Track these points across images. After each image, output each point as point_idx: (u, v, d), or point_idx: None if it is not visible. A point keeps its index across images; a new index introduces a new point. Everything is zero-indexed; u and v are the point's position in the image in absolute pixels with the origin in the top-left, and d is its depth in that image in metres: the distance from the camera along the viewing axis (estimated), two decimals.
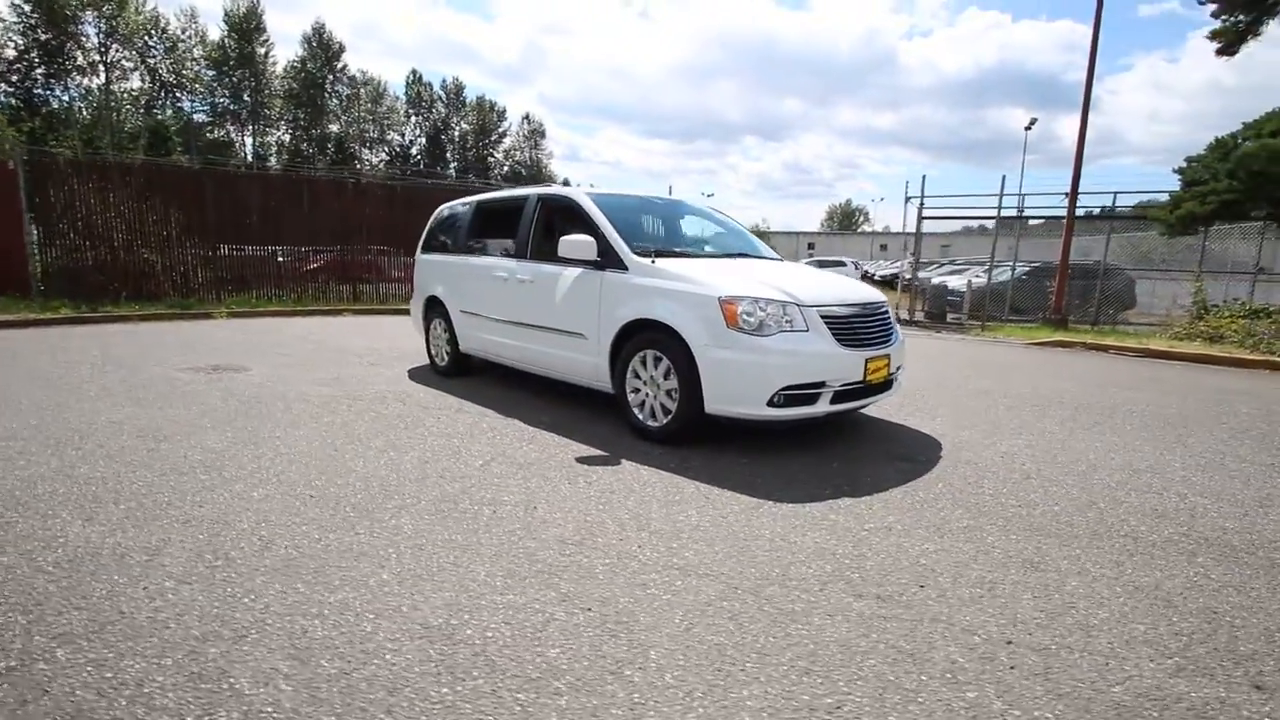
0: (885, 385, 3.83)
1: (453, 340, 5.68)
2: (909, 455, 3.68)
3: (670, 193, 4.72)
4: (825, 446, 3.80)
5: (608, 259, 4.04)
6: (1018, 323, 12.32)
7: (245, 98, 53.91)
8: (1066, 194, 11.84)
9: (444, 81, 69.46)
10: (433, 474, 3.24)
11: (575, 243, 4.05)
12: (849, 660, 1.78)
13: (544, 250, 4.85)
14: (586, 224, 4.34)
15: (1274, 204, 9.01)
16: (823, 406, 3.49)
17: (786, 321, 3.42)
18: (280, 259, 13.06)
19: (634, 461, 3.46)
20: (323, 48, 56.95)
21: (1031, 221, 13.89)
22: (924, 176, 14.77)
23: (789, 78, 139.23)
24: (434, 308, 5.95)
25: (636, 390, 3.91)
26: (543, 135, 75.02)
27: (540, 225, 4.86)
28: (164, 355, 6.60)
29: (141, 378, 5.41)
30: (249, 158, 55.05)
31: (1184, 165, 10.53)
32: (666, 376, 3.70)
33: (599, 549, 2.44)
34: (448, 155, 70.43)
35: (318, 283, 13.36)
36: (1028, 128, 32.85)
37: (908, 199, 13.64)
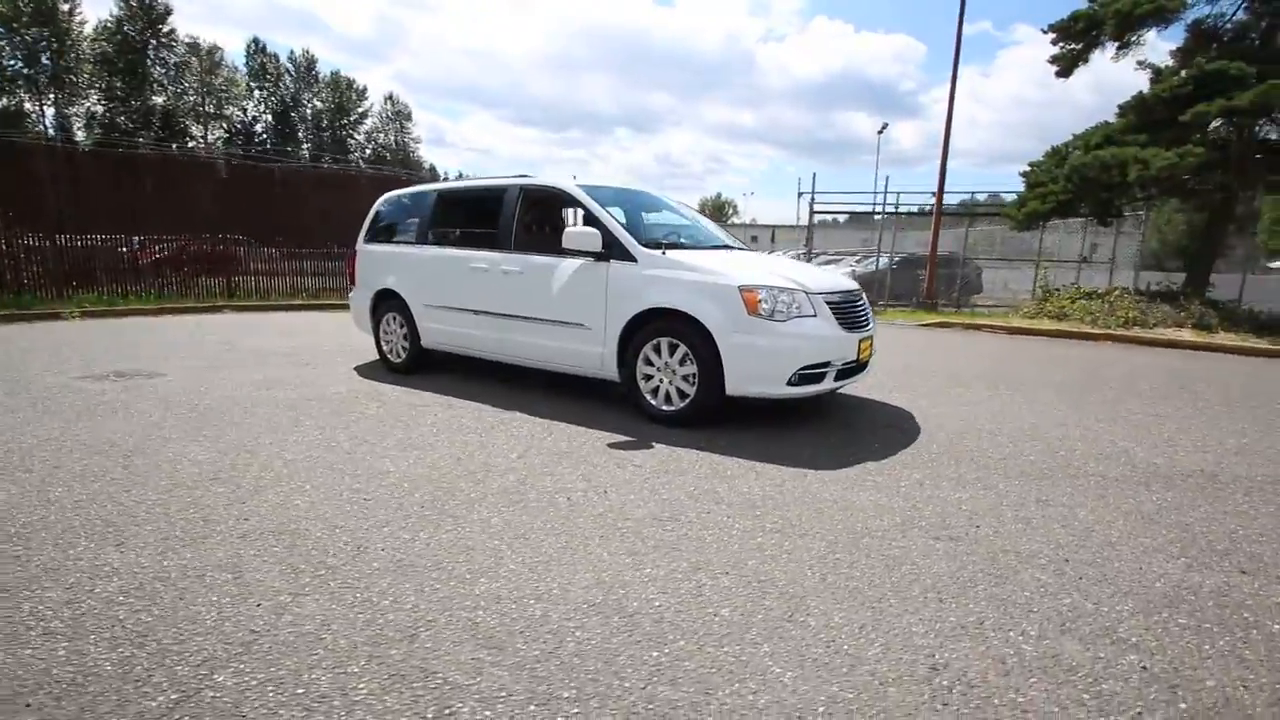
0: (866, 364, 4.29)
1: (412, 335, 5.44)
2: (893, 424, 4.17)
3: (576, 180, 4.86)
4: (820, 421, 4.19)
5: (612, 250, 4.13)
6: (897, 307, 13.82)
7: (44, 60, 45.62)
8: (934, 193, 13.46)
9: (292, 54, 62.90)
10: (476, 469, 3.19)
11: (581, 234, 4.10)
12: (963, 588, 2.11)
13: (529, 241, 4.81)
14: (583, 216, 4.38)
15: (1097, 204, 10.91)
16: (828, 383, 3.86)
17: (797, 308, 3.74)
18: (122, 250, 11.41)
19: (664, 444, 3.62)
20: (144, 9, 49.48)
21: (904, 216, 15.55)
22: (814, 174, 16.10)
23: (658, 72, 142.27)
24: (385, 302, 5.65)
25: (649, 377, 4.06)
26: (409, 118, 70.74)
27: (524, 216, 4.81)
28: (40, 362, 5.66)
29: (38, 390, 4.64)
30: (50, 131, 46.72)
31: (1027, 169, 12.38)
32: (683, 363, 3.89)
33: (693, 523, 2.60)
34: (299, 135, 64.33)
35: (180, 277, 11.85)
36: (880, 131, 36.49)
37: (800, 194, 14.70)
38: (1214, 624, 1.94)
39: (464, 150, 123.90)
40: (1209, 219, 10.94)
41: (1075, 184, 10.76)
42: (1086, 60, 11.13)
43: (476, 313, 4.89)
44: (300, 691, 1.58)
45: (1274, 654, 1.79)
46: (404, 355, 5.59)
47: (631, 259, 4.08)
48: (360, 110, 66.69)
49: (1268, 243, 12.91)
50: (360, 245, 6.00)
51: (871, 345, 4.23)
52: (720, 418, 3.97)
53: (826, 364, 3.79)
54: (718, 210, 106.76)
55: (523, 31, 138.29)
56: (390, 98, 69.00)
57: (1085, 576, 2.20)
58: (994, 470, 3.29)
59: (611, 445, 3.61)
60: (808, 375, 3.73)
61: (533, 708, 1.52)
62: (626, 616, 1.92)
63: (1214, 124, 9.73)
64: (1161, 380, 6.06)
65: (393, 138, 69.94)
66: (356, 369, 5.76)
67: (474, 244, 5.06)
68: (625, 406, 4.37)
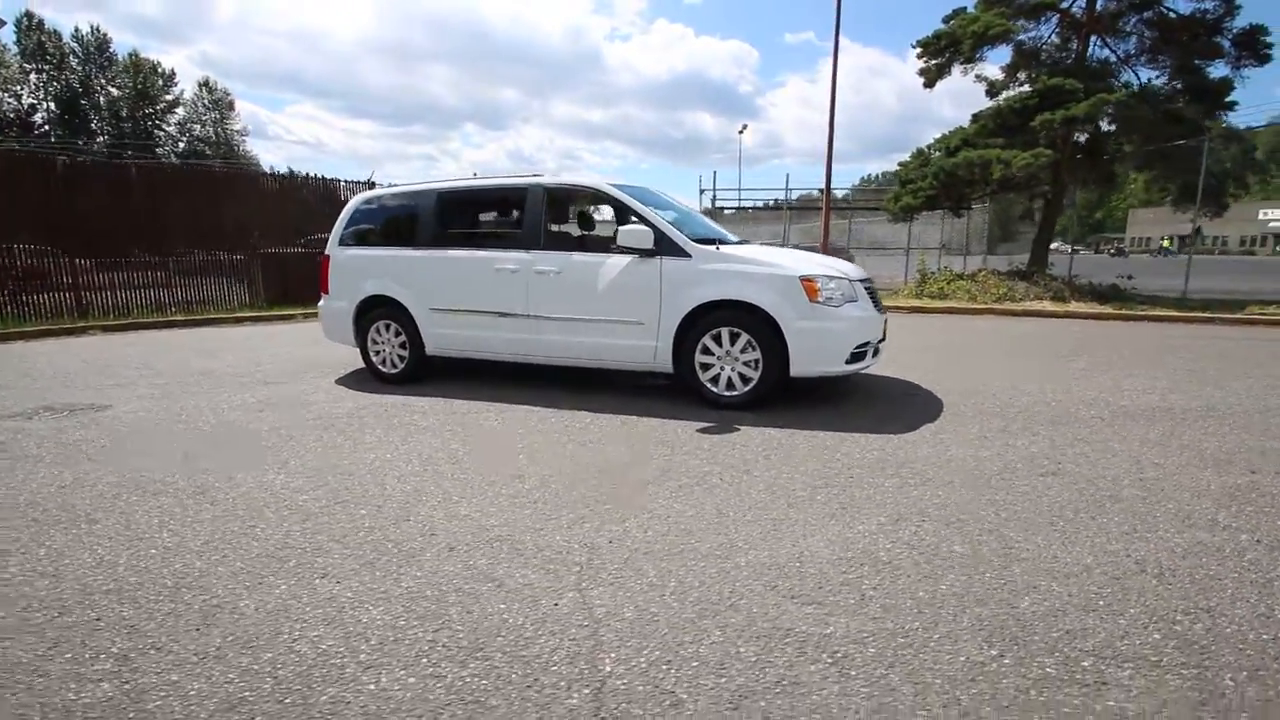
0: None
1: (413, 343, 5.19)
2: (909, 392, 4.78)
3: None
4: (847, 396, 4.68)
5: (661, 247, 4.30)
6: None
7: None
8: (821, 190, 14.85)
9: (78, 32, 53.26)
10: (606, 464, 3.26)
11: (635, 232, 4.23)
12: (1100, 507, 2.63)
13: (556, 240, 4.82)
14: (625, 213, 4.49)
15: (957, 198, 12.77)
16: (868, 360, 4.35)
17: (843, 295, 4.18)
18: None
19: (746, 426, 3.89)
20: None
21: (789, 209, 16.97)
22: (715, 173, 17.06)
23: (505, 68, 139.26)
24: (374, 309, 5.33)
25: (708, 366, 4.30)
26: (230, 107, 62.72)
27: (550, 215, 4.80)
28: None
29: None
30: None
31: (899, 167, 14.14)
32: (744, 350, 4.18)
33: (846, 486, 2.91)
34: (93, 125, 55.02)
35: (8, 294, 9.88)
36: (740, 131, 38.84)
37: (701, 191, 15.51)
38: (1259, 499, 2.62)
39: (290, 143, 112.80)
40: (1045, 209, 13.27)
41: (943, 181, 12.49)
42: (949, 72, 12.95)
43: (502, 315, 4.81)
44: (693, 663, 1.69)
45: None
46: (401, 364, 5.30)
47: (685, 254, 4.28)
48: (169, 98, 58.35)
49: (1071, 228, 15.86)
50: (334, 250, 5.57)
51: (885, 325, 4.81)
52: (776, 399, 4.32)
53: (867, 343, 4.28)
54: None
55: (350, 14, 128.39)
56: (206, 84, 60.89)
57: (1164, 487, 2.83)
58: (1022, 421, 3.96)
59: (701, 431, 3.81)
60: (857, 354, 4.19)
61: (889, 632, 1.76)
62: (884, 563, 2.20)
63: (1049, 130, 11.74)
64: (1065, 342, 7.38)
65: (211, 129, 61.91)
66: (338, 381, 5.38)
67: (492, 245, 4.96)
68: (662, 396, 4.58)
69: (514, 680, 1.62)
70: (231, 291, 11.61)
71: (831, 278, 4.14)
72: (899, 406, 4.34)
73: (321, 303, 5.72)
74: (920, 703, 1.52)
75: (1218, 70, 11.48)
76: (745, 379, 4.23)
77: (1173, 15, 11.70)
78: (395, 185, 5.64)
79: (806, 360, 4.08)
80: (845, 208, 16.48)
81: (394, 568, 2.20)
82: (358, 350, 5.48)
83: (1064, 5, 12.10)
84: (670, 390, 4.80)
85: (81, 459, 3.40)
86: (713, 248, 4.30)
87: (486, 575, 2.15)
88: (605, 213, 5.41)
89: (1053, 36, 13.54)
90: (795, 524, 2.52)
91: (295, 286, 11.66)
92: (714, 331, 4.23)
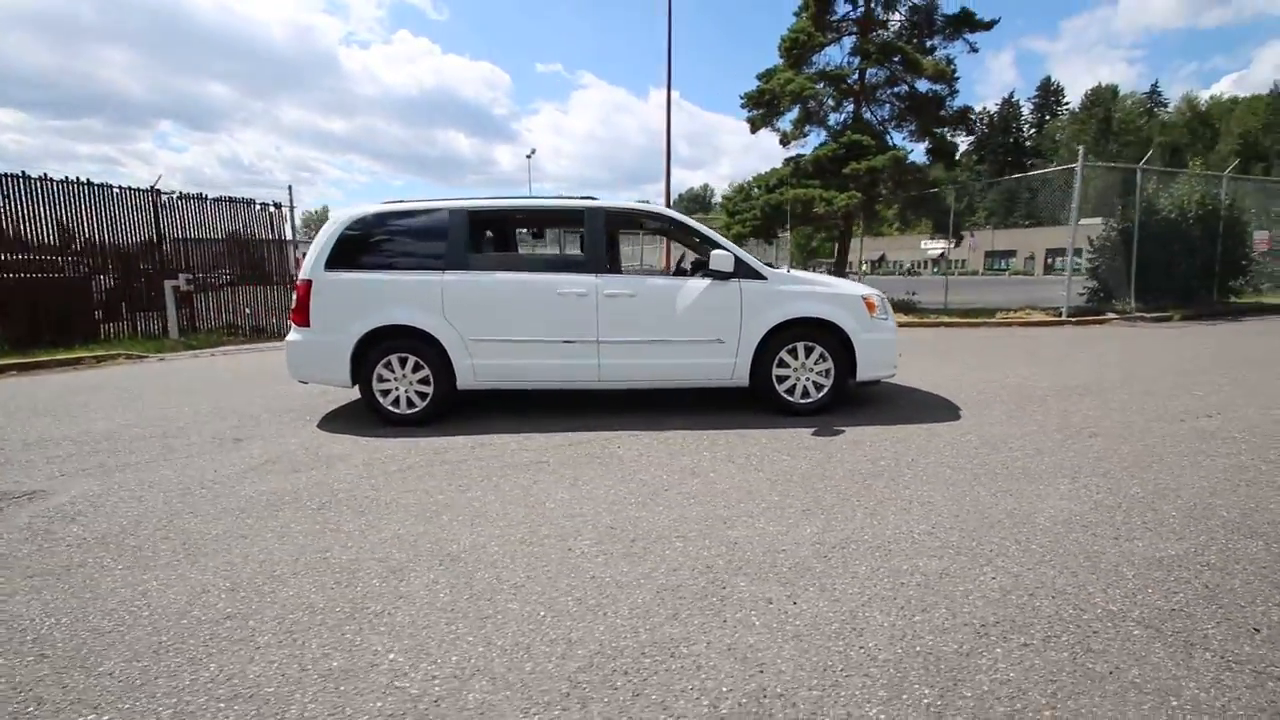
0: None
1: (441, 377, 4.66)
2: (915, 389, 5.70)
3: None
4: (872, 399, 5.48)
5: (739, 269, 4.62)
6: None
7: None
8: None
9: None
10: (752, 481, 3.49)
11: (723, 257, 4.50)
12: (1154, 456, 3.70)
13: (619, 264, 4.79)
14: (687, 236, 4.70)
15: (771, 229, 15.05)
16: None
17: (884, 310, 4.95)
18: None
19: (842, 426, 4.39)
20: None
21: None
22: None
23: (213, 60, 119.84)
24: (383, 342, 4.66)
25: (783, 378, 4.71)
26: None
27: (609, 239, 4.75)
28: None
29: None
30: None
31: (724, 199, 16.05)
32: (817, 361, 4.69)
33: (993, 467, 3.60)
34: None
35: None
36: (528, 156, 39.32)
37: None
38: (1236, 434, 3.95)
39: None
40: (840, 238, 16.24)
41: (768, 213, 14.58)
42: (772, 123, 15.16)
43: (567, 342, 4.61)
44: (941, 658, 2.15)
45: (1248, 439, 3.87)
46: (422, 403, 4.70)
47: (760, 277, 4.65)
48: None
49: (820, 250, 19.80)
50: (317, 274, 4.70)
51: None
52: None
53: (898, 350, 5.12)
54: (321, 225, 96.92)
55: None
56: None
57: (1134, 430, 4.07)
58: (1015, 401, 5.12)
59: (814, 434, 4.22)
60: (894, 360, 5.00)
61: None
62: (1033, 527, 2.89)
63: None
64: (960, 345, 9.20)
65: None
66: (329, 429, 4.58)
67: (545, 268, 4.72)
68: (733, 406, 4.89)
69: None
70: None
71: (878, 295, 4.89)
72: (924, 404, 5.21)
73: (296, 336, 4.75)
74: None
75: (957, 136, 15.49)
76: (819, 387, 4.73)
77: (914, 91, 15.43)
78: (403, 200, 4.95)
79: (870, 368, 4.74)
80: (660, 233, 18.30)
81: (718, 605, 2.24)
82: (343, 390, 4.69)
83: (848, 79, 15.13)
84: (702, 402, 5.08)
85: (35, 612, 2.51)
86: (784, 270, 4.75)
87: (822, 556, 2.32)
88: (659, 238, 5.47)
89: (828, 100, 16.74)
90: (977, 500, 3.11)
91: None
92: (791, 346, 4.67)
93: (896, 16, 15.24)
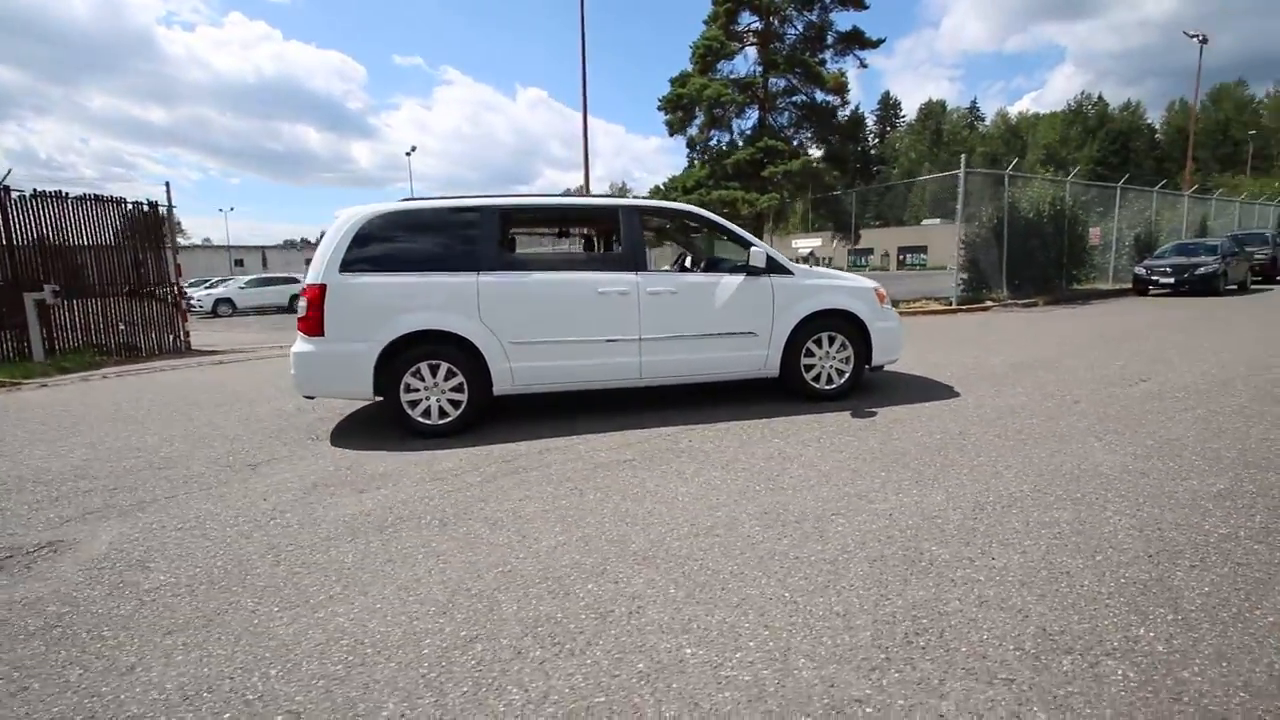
0: None
1: (477, 384, 4.47)
2: (921, 373, 6.26)
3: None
4: (887, 383, 5.94)
5: (770, 265, 4.86)
6: None
7: None
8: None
9: None
10: (858, 458, 3.79)
11: (760, 254, 4.71)
12: (1170, 416, 4.43)
13: (650, 262, 4.84)
14: (718, 233, 4.86)
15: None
16: None
17: (889, 300, 5.42)
18: None
19: (872, 407, 4.78)
20: None
21: None
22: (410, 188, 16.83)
23: None
24: (410, 349, 4.39)
25: (809, 367, 5.02)
26: None
27: (642, 238, 4.78)
28: None
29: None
30: None
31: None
32: (839, 350, 5.05)
33: (1027, 433, 4.13)
34: None
35: None
36: (408, 154, 37.26)
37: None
38: (1177, 393, 4.81)
39: None
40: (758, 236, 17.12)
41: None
42: (688, 127, 15.66)
43: (610, 340, 4.60)
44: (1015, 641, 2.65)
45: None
46: (455, 411, 4.48)
47: (788, 272, 4.92)
48: None
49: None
50: (331, 277, 4.31)
51: None
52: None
53: None
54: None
55: None
56: None
57: (1140, 398, 4.86)
58: (989, 379, 5.82)
59: (854, 416, 4.56)
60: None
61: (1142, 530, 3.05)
62: (1106, 477, 3.48)
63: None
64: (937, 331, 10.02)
65: None
66: (348, 446, 4.25)
67: (582, 267, 4.66)
68: (753, 396, 5.14)
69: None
70: None
71: (882, 288, 5.35)
72: (935, 384, 5.78)
73: (306, 347, 4.32)
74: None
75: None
76: (840, 373, 5.10)
77: (812, 101, 16.70)
78: (421, 199, 4.63)
79: (882, 353, 5.18)
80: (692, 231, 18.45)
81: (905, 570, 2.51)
82: (323, 406, 4.38)
83: (755, 87, 16.05)
84: (713, 396, 5.30)
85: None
86: (806, 265, 5.06)
87: (973, 517, 2.66)
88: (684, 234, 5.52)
89: (732, 107, 17.63)
90: (1069, 440, 3.62)
91: None
92: (816, 337, 4.99)
93: (793, 31, 16.44)
